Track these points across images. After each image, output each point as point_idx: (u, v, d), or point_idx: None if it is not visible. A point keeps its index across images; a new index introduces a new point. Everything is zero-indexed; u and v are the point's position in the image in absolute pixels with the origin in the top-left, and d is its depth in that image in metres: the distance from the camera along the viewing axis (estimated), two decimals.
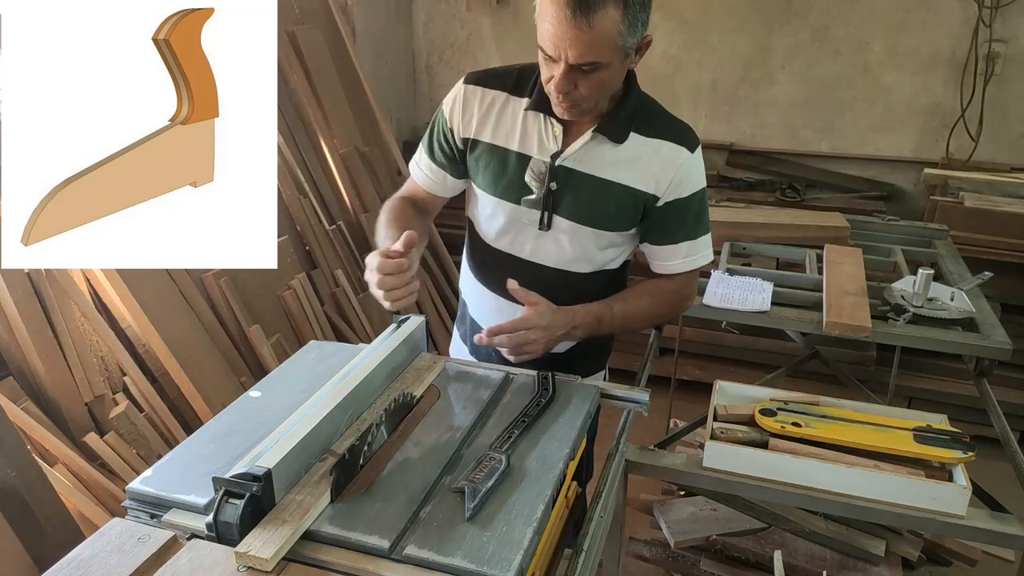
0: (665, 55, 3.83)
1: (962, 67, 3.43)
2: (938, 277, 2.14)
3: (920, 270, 1.95)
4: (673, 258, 1.50)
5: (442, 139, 1.53)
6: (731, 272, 2.20)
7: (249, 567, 0.91)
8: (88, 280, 2.20)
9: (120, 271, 2.15)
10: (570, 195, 1.42)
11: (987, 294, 2.12)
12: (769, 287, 2.07)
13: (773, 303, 2.01)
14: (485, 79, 1.48)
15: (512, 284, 1.37)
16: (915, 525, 1.61)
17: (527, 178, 1.43)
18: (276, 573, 0.91)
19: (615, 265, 1.55)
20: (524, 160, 1.44)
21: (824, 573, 1.33)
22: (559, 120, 1.40)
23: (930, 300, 1.96)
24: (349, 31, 3.50)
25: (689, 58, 3.82)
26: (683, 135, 1.43)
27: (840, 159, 3.76)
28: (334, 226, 3.10)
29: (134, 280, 2.19)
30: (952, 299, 1.98)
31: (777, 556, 1.36)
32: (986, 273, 2.15)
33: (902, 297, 1.99)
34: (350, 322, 2.96)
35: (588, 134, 1.40)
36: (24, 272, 1.99)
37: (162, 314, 2.25)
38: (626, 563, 2.24)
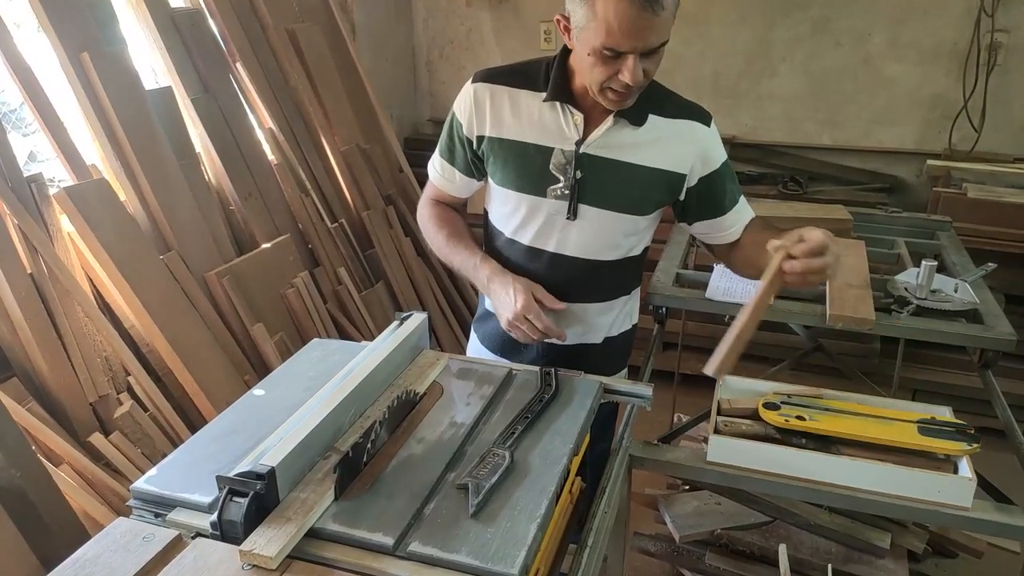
0: (666, 48, 3.82)
1: (964, 58, 3.41)
2: (942, 269, 2.13)
3: (924, 262, 1.95)
4: (729, 225, 1.54)
5: (457, 141, 1.54)
6: None
7: (254, 565, 0.91)
8: (91, 280, 2.20)
9: (122, 271, 2.16)
10: (596, 182, 1.43)
11: (991, 285, 2.10)
12: None
13: (776, 296, 2.00)
14: (494, 76, 1.48)
15: (774, 243, 1.30)
16: (920, 517, 1.60)
17: (552, 168, 1.44)
18: (280, 571, 0.91)
19: (637, 251, 1.56)
20: (544, 152, 1.44)
21: (829, 566, 1.33)
22: (579, 108, 1.41)
23: (934, 292, 1.96)
24: (349, 28, 3.50)
25: (690, 51, 3.81)
26: (696, 112, 1.47)
27: (842, 151, 3.75)
28: (336, 224, 3.10)
29: (137, 280, 2.19)
30: (956, 291, 1.97)
31: (782, 549, 1.36)
32: (990, 264, 2.14)
33: (905, 289, 1.98)
34: (353, 320, 2.96)
35: (610, 119, 1.40)
36: (27, 272, 1.99)
37: (165, 313, 2.25)
38: (631, 558, 2.23)
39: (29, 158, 2.38)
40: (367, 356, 1.29)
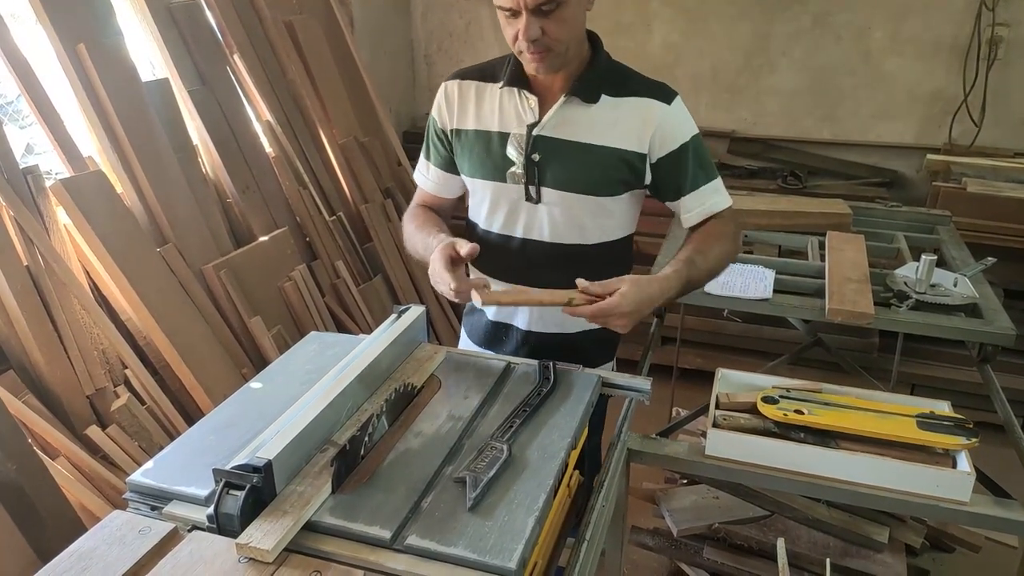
0: (665, 43, 3.81)
1: (965, 52, 3.41)
2: (941, 263, 2.13)
3: (923, 256, 1.94)
4: (688, 210, 1.49)
5: (435, 139, 1.59)
6: None
7: (250, 558, 0.91)
8: (88, 272, 2.19)
9: (119, 263, 2.15)
10: (554, 163, 1.44)
11: (990, 280, 2.10)
12: (771, 274, 2.06)
13: (775, 291, 2.00)
14: (463, 73, 1.54)
15: (582, 283, 1.30)
16: (919, 512, 1.60)
17: (508, 152, 1.46)
18: (277, 564, 0.91)
19: (615, 236, 1.54)
20: (503, 137, 1.47)
21: (827, 560, 1.33)
22: (533, 91, 1.43)
23: (933, 286, 1.95)
24: (347, 21, 3.49)
25: (690, 46, 3.80)
26: (656, 90, 1.44)
27: (842, 146, 3.74)
28: (334, 217, 3.09)
29: (134, 272, 2.19)
30: (955, 285, 1.97)
31: (780, 544, 1.36)
32: (989, 259, 2.14)
33: (905, 283, 1.98)
34: (351, 313, 2.95)
35: (561, 99, 1.42)
36: (23, 265, 1.98)
37: (162, 306, 2.24)
38: (629, 552, 2.24)
39: (26, 150, 2.37)
40: (365, 349, 1.29)
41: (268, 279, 2.68)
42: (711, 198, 1.49)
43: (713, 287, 2.00)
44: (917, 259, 1.99)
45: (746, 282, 2.03)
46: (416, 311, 1.42)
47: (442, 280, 1.33)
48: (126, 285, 2.17)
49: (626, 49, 3.76)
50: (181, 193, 2.46)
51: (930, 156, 3.43)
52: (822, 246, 2.28)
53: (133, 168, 2.34)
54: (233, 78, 2.84)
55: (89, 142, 2.32)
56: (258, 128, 2.91)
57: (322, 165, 3.14)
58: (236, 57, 2.84)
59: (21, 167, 2.05)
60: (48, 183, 2.10)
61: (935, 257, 1.96)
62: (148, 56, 2.65)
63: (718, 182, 1.50)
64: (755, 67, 3.75)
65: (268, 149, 2.93)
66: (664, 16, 3.75)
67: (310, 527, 0.97)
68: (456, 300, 1.34)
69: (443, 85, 1.54)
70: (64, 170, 2.21)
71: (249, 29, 2.92)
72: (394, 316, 1.41)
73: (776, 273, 2.07)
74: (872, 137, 3.68)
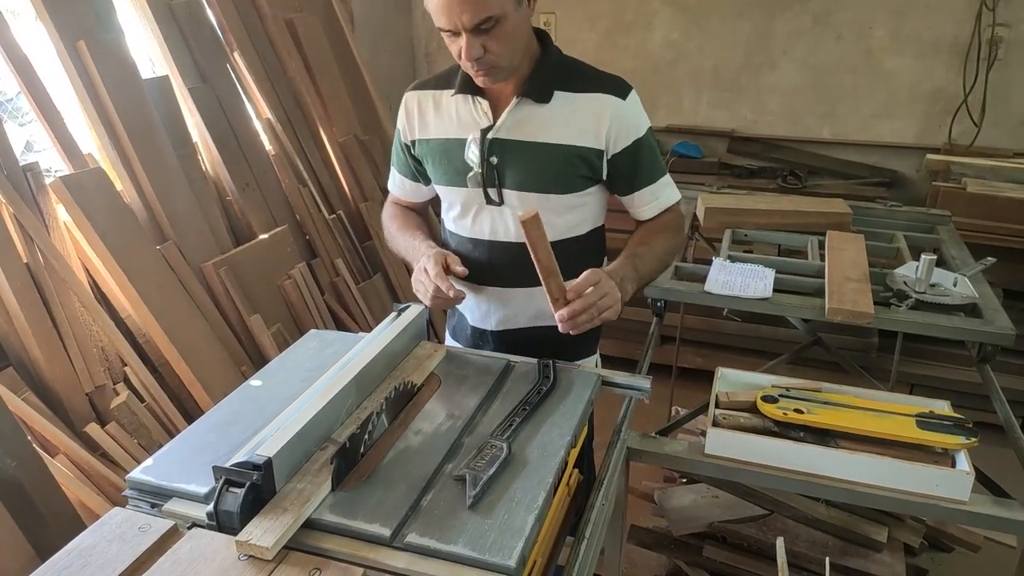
0: (666, 42, 3.81)
1: (965, 52, 3.41)
2: (940, 263, 2.13)
3: (922, 256, 1.94)
4: (639, 205, 1.52)
5: (399, 151, 1.63)
6: (732, 259, 2.19)
7: (250, 556, 0.91)
8: (87, 270, 2.19)
9: (119, 261, 2.15)
10: (512, 165, 1.45)
11: (990, 280, 2.10)
12: (771, 274, 2.06)
13: (775, 290, 2.00)
14: (421, 84, 1.56)
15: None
16: (918, 511, 1.60)
17: (468, 157, 1.47)
18: (277, 562, 0.91)
19: (582, 231, 1.53)
20: (461, 143, 1.48)
21: (827, 559, 1.33)
22: (485, 96, 1.44)
23: (932, 286, 1.95)
24: (348, 19, 3.48)
25: (690, 45, 3.80)
26: (610, 84, 1.44)
27: (842, 145, 3.74)
28: (334, 215, 3.09)
29: (133, 270, 2.19)
30: (955, 285, 1.97)
31: (779, 543, 1.36)
32: (989, 259, 2.14)
33: (904, 283, 1.98)
34: (350, 311, 2.95)
35: (514, 101, 1.42)
36: (23, 262, 1.98)
37: (162, 304, 2.24)
38: (628, 550, 2.24)
39: (26, 147, 2.37)
40: (364, 347, 1.29)
41: (268, 277, 2.68)
42: (663, 192, 1.52)
43: (713, 286, 2.00)
44: (917, 259, 1.99)
45: (746, 281, 2.03)
46: (416, 309, 1.42)
47: (441, 284, 1.36)
48: (125, 282, 2.17)
49: (626, 48, 3.76)
50: (181, 191, 2.46)
51: (930, 156, 3.43)
52: (822, 245, 2.28)
53: (133, 165, 2.33)
54: (233, 75, 2.84)
55: (89, 139, 2.32)
56: (258, 126, 2.91)
57: (322, 163, 3.14)
58: (236, 54, 2.84)
59: (21, 164, 2.05)
60: (48, 180, 2.10)
61: (935, 257, 1.96)
62: (148, 53, 2.65)
63: (668, 176, 1.54)
64: (755, 66, 3.75)
65: (268, 147, 2.93)
66: (665, 15, 3.74)
67: (310, 525, 0.97)
68: (432, 305, 1.41)
69: (404, 98, 1.57)
70: (64, 167, 2.21)
71: (249, 26, 2.91)
72: (394, 314, 1.41)
73: (776, 272, 2.07)
74: (872, 136, 3.68)
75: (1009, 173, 3.25)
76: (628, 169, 1.47)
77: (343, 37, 3.40)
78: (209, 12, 2.78)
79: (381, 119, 3.51)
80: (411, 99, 1.55)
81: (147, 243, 2.28)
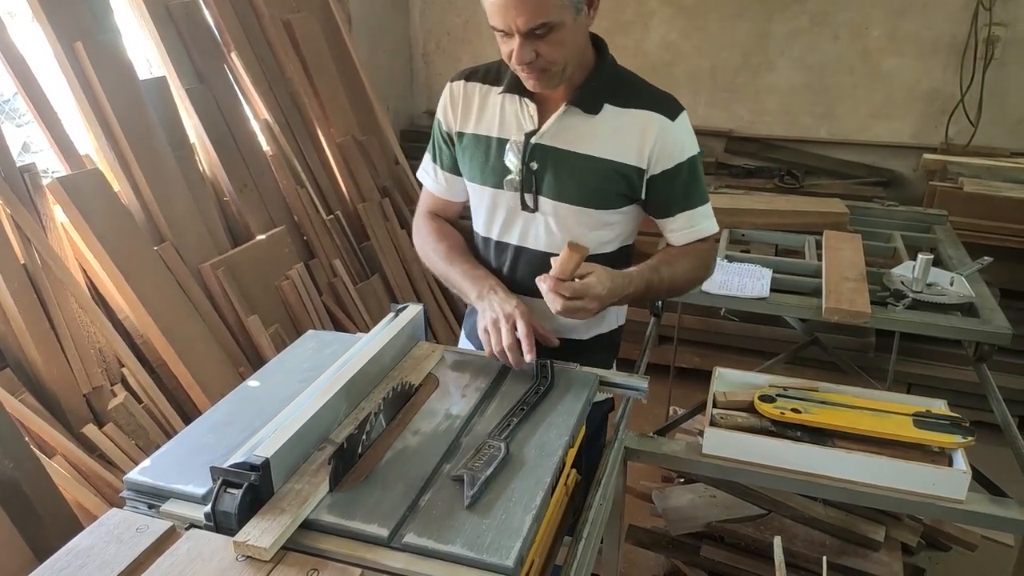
0: (663, 42, 3.81)
1: (962, 51, 3.41)
2: (937, 262, 2.14)
3: (919, 255, 1.95)
4: (674, 230, 1.48)
5: (441, 142, 1.55)
6: (730, 259, 2.19)
7: (248, 556, 0.91)
8: (85, 271, 2.19)
9: (116, 262, 2.15)
10: (551, 173, 1.42)
11: (986, 279, 2.11)
12: (768, 273, 2.06)
13: (772, 290, 2.01)
14: (467, 74, 1.51)
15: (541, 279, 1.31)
16: (915, 510, 1.61)
17: (506, 160, 1.44)
18: (275, 562, 0.91)
19: (611, 248, 1.50)
20: (502, 144, 1.44)
21: (824, 559, 1.33)
22: (533, 99, 1.41)
23: (929, 285, 1.96)
24: (345, 19, 3.48)
25: (688, 45, 3.80)
26: (662, 103, 1.40)
27: (839, 145, 3.75)
28: (331, 216, 3.09)
29: (131, 271, 2.18)
30: (952, 284, 1.98)
31: (777, 542, 1.36)
32: (985, 258, 2.14)
33: (901, 283, 1.98)
34: (348, 312, 2.95)
35: (562, 108, 1.39)
36: (20, 263, 1.98)
37: (159, 305, 2.24)
38: (626, 550, 2.24)
39: (23, 148, 2.37)
40: (362, 348, 1.29)
41: (265, 278, 2.68)
42: (700, 222, 1.47)
43: (710, 286, 2.00)
44: (914, 258, 1.99)
45: (743, 281, 2.03)
46: (414, 310, 1.42)
47: (525, 342, 1.30)
48: (123, 283, 2.16)
49: (624, 47, 3.76)
50: (178, 191, 2.46)
51: (927, 155, 3.43)
52: (819, 245, 2.28)
53: (130, 166, 2.33)
54: (231, 76, 2.83)
55: (86, 140, 2.32)
56: (256, 126, 2.91)
57: (320, 164, 3.14)
58: (234, 55, 2.83)
59: (18, 165, 2.05)
60: (45, 181, 2.09)
61: (931, 256, 1.96)
62: (145, 54, 2.65)
63: (708, 207, 1.49)
64: (753, 66, 3.75)
65: (266, 147, 2.93)
66: (663, 15, 3.75)
67: (307, 525, 0.97)
68: (492, 355, 1.35)
69: (448, 86, 1.51)
70: (61, 168, 2.21)
71: (247, 27, 2.91)
72: (392, 315, 1.41)
73: (773, 272, 2.08)
74: (869, 136, 3.69)
75: (1006, 172, 3.25)
76: (666, 192, 1.43)
77: (341, 38, 3.40)
78: (206, 13, 2.78)
79: (379, 119, 3.51)
80: (456, 88, 1.49)
81: (145, 244, 2.28)
